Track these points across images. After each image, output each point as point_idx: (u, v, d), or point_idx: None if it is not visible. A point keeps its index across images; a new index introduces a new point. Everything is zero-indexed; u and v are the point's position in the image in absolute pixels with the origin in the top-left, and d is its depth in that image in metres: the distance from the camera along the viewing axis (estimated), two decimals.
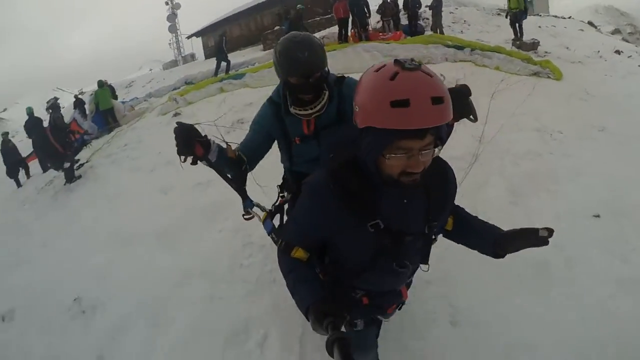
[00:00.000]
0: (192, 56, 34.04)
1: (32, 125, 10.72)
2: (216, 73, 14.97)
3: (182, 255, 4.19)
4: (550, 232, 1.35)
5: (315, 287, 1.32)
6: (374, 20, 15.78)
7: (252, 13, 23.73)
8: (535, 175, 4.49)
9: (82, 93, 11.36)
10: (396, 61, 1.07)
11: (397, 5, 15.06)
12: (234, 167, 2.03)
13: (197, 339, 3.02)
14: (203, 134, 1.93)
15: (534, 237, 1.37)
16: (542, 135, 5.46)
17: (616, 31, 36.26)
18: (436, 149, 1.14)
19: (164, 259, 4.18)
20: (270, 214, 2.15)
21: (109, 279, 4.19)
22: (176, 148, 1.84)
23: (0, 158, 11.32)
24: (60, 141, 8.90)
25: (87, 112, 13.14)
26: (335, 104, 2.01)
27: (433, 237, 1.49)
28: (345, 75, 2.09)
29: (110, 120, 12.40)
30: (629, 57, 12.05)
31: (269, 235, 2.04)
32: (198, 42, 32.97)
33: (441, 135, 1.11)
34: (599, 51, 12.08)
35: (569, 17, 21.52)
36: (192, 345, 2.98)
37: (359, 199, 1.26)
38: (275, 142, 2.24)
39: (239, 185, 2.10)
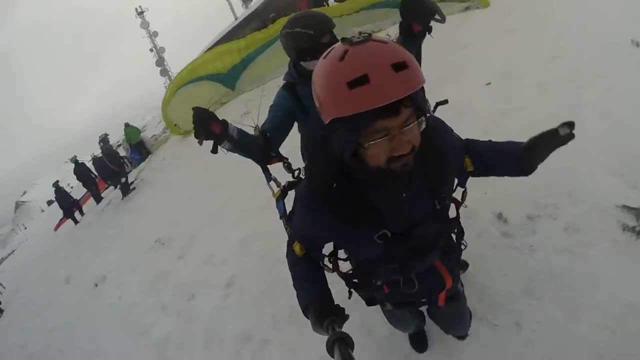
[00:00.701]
0: None
1: (81, 170, 12.32)
2: None
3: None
4: (571, 125, 1.15)
5: (316, 287, 1.28)
6: None
7: (231, 36, 24.50)
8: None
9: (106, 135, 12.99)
10: (344, 39, 0.92)
11: None
12: (257, 145, 1.97)
13: None
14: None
15: (556, 138, 1.18)
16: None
17: None
18: (420, 121, 0.96)
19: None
20: (283, 191, 2.03)
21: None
22: (194, 131, 1.78)
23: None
24: (115, 163, 10.90)
25: (125, 152, 14.83)
26: None
27: (445, 210, 1.34)
28: None
29: (143, 151, 14.09)
30: None
31: (280, 217, 1.92)
32: None
33: (419, 105, 0.94)
34: None
35: None
36: None
37: (353, 211, 1.13)
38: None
39: (259, 159, 2.08)
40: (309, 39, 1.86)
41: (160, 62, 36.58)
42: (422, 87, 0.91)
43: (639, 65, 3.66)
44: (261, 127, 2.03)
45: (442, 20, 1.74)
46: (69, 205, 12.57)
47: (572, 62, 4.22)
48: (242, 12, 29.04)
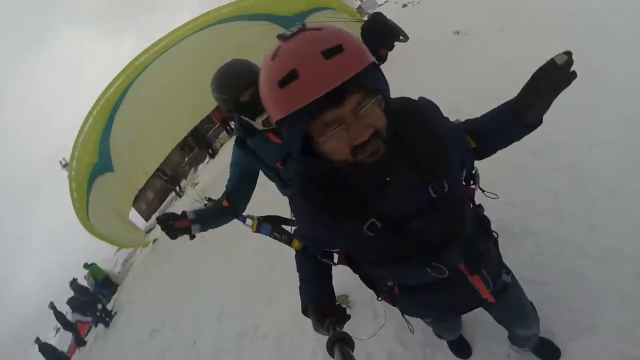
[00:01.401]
0: None
1: (59, 316, 12.68)
2: None
3: None
4: (568, 53, 1.00)
5: (317, 287, 1.28)
6: None
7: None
8: None
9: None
10: (278, 36, 0.85)
11: None
12: (226, 215, 2.06)
13: None
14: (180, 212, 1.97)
15: (556, 72, 1.01)
16: None
17: None
18: (376, 100, 0.86)
19: None
20: (261, 220, 1.94)
21: None
22: (167, 235, 1.93)
23: None
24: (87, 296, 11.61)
25: (89, 287, 15.03)
26: None
27: (454, 197, 1.10)
28: None
29: (110, 288, 14.44)
30: None
31: (270, 236, 1.87)
32: (133, 214, 33.26)
33: (371, 85, 0.85)
34: None
35: None
36: None
37: (339, 205, 1.05)
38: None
39: (232, 217, 2.11)
40: (227, 104, 1.79)
41: None
42: (374, 64, 0.86)
43: None
44: (226, 186, 2.08)
45: (406, 39, 1.77)
46: (56, 358, 12.57)
47: None
48: None
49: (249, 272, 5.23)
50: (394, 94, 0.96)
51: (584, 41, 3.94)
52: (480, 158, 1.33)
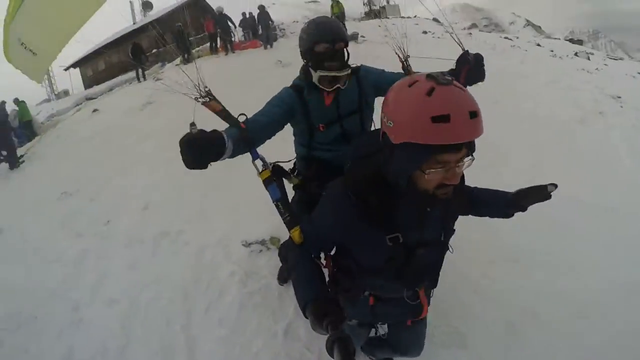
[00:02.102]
0: (66, 92, 31.26)
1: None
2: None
3: None
4: (555, 186, 1.49)
5: (315, 286, 1.30)
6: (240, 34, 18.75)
7: (129, 38, 23.56)
8: None
9: None
10: (429, 76, 1.06)
11: (255, 20, 17.08)
12: (243, 143, 1.67)
13: None
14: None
15: (543, 194, 1.51)
16: None
17: (473, 25, 37.45)
18: (469, 159, 1.13)
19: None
20: (274, 173, 1.70)
21: None
22: (185, 161, 1.43)
23: None
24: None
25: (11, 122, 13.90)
26: (356, 90, 2.06)
27: (448, 246, 1.52)
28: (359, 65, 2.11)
29: (28, 132, 13.44)
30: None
31: (273, 202, 1.64)
32: (75, 74, 31.29)
33: (474, 148, 1.12)
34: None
35: (415, 16, 26.38)
36: None
37: (378, 212, 1.25)
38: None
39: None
40: (305, 44, 1.96)
41: None
42: None
43: None
44: (251, 116, 1.84)
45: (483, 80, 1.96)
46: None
47: None
48: (140, 19, 28.94)
49: (187, 180, 4.78)
50: None
51: None
52: (466, 215, 1.72)
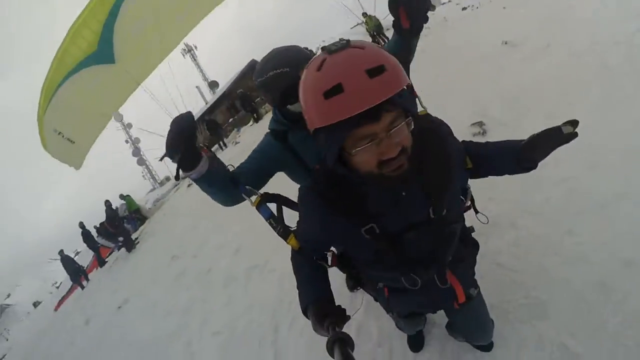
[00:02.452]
0: (167, 178, 34.34)
1: (86, 235, 13.65)
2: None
3: None
4: (575, 124, 1.20)
5: (316, 287, 1.30)
6: None
7: (205, 117, 24.69)
8: None
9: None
10: (322, 48, 0.94)
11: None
12: (224, 182, 1.64)
13: None
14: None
15: (560, 136, 1.21)
16: None
17: None
18: (407, 122, 0.96)
19: None
20: (264, 198, 1.72)
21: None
22: (168, 149, 1.41)
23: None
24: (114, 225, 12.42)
25: (123, 213, 16.10)
26: None
27: (448, 218, 1.24)
28: None
29: (139, 217, 15.43)
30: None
31: (266, 220, 1.68)
32: (169, 161, 34.87)
33: (405, 106, 0.94)
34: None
35: None
36: None
37: (346, 205, 1.13)
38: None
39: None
40: (286, 78, 1.61)
41: (136, 152, 37.32)
42: (409, 85, 0.92)
43: None
44: (234, 169, 1.77)
45: (433, 9, 2.09)
46: (75, 271, 13.66)
47: None
48: (210, 97, 31.91)
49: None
50: (425, 89, 1.19)
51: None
52: (471, 178, 1.46)
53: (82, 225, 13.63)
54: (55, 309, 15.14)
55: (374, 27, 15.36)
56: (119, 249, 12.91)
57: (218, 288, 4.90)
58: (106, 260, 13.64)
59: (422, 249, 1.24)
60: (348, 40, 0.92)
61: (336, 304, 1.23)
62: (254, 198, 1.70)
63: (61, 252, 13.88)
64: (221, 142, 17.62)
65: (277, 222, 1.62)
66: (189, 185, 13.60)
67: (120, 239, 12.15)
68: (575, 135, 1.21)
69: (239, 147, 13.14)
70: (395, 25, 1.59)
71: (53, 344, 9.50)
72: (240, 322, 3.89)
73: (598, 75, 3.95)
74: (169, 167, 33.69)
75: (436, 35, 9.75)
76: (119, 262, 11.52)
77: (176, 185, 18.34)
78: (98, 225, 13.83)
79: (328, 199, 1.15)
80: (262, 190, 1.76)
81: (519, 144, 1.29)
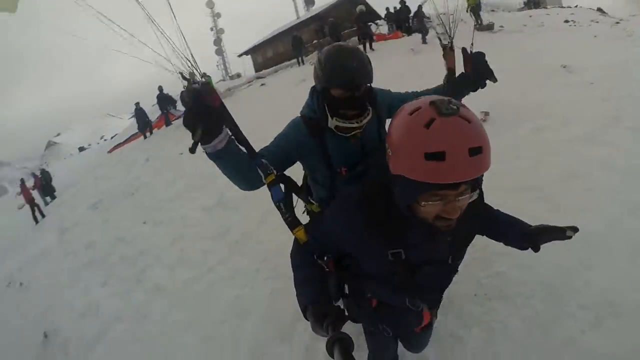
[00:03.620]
0: (239, 75, 33.27)
1: (162, 98, 15.65)
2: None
3: None
4: (575, 230, 1.31)
5: (316, 288, 1.30)
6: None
7: (291, 31, 25.77)
8: None
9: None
10: (432, 103, 0.95)
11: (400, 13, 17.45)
12: (242, 156, 1.46)
13: None
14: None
15: (560, 234, 1.33)
16: None
17: None
18: (473, 194, 1.04)
19: None
20: (279, 177, 1.60)
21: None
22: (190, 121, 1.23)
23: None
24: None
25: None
26: (375, 122, 1.74)
27: (456, 269, 1.43)
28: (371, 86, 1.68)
29: None
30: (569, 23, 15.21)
31: (274, 203, 1.55)
32: (246, 60, 34.72)
33: (477, 182, 1.03)
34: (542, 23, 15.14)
35: (575, 6, 23.28)
36: None
37: (387, 223, 1.18)
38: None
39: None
40: (321, 82, 1.60)
41: (217, 41, 38.72)
42: None
43: None
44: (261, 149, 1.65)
45: (495, 81, 1.87)
46: (144, 123, 15.65)
47: None
48: (303, 14, 32.21)
49: None
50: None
51: None
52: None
53: (160, 88, 15.40)
54: (109, 152, 17.33)
55: (474, 5, 14.41)
56: None
57: None
58: (172, 122, 15.43)
59: (432, 280, 1.36)
60: (458, 107, 0.94)
61: (335, 305, 1.24)
62: (267, 175, 1.57)
63: (137, 103, 15.77)
64: (300, 58, 18.45)
65: (287, 209, 1.55)
66: (262, 85, 14.93)
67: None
68: (567, 238, 1.33)
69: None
70: (468, 85, 1.88)
71: (109, 171, 11.45)
72: None
73: None
74: (244, 65, 35.07)
75: None
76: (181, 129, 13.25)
77: (249, 82, 19.49)
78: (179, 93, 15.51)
79: (373, 213, 1.19)
80: None
81: (528, 228, 1.41)
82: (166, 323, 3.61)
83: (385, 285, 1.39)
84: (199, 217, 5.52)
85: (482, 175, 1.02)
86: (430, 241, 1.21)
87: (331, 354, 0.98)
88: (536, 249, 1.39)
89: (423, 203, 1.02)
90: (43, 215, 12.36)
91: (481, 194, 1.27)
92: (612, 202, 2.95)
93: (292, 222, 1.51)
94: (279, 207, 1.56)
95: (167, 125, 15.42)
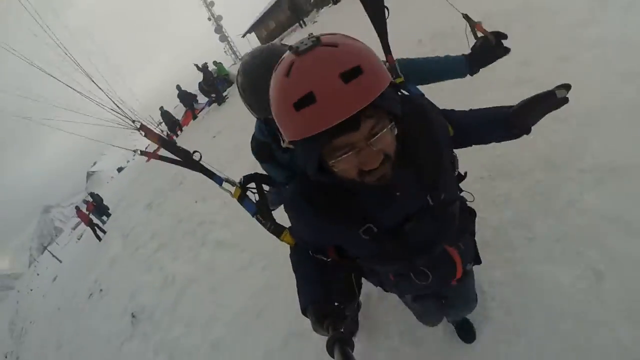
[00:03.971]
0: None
1: (182, 95, 16.04)
2: None
3: None
4: (568, 87, 1.11)
5: (316, 287, 1.24)
6: None
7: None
8: None
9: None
10: (291, 48, 0.81)
11: None
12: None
13: None
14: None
15: (553, 100, 1.12)
16: None
17: None
18: (390, 127, 0.84)
19: None
20: (243, 189, 1.65)
21: None
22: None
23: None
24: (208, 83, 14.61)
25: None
26: None
27: (447, 200, 1.15)
28: None
29: (227, 81, 17.31)
30: None
31: (253, 216, 1.60)
32: (252, 38, 34.61)
33: (387, 107, 0.81)
34: None
35: None
36: None
37: (338, 210, 1.05)
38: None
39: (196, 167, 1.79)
40: (259, 111, 1.37)
41: (218, 29, 38.67)
42: (391, 83, 0.82)
43: None
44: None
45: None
46: (172, 123, 16.26)
47: None
48: None
49: None
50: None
51: None
52: (454, 147, 1.28)
53: (178, 87, 15.77)
54: (147, 160, 18.02)
55: None
56: (209, 105, 15.08)
57: None
58: (197, 115, 15.89)
59: (424, 236, 1.16)
60: (318, 37, 0.79)
61: (335, 304, 1.19)
62: (233, 190, 1.66)
63: (161, 107, 16.40)
64: (301, 21, 18.25)
65: (266, 218, 1.54)
66: None
67: (213, 95, 14.27)
68: (566, 100, 1.13)
69: (318, 25, 13.78)
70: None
71: (152, 174, 12.10)
72: None
73: None
74: (250, 43, 34.77)
75: None
76: (210, 113, 13.72)
77: None
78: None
79: (318, 205, 1.06)
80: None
81: (509, 111, 1.20)
82: (232, 269, 4.15)
83: (381, 261, 1.26)
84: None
85: (395, 103, 0.84)
86: (390, 199, 1.04)
87: (331, 353, 0.94)
88: (527, 130, 1.20)
89: (331, 162, 0.85)
90: (104, 232, 13.07)
91: (421, 110, 1.10)
92: (610, 75, 2.85)
93: (275, 229, 1.47)
94: (258, 219, 1.58)
95: (194, 119, 15.90)
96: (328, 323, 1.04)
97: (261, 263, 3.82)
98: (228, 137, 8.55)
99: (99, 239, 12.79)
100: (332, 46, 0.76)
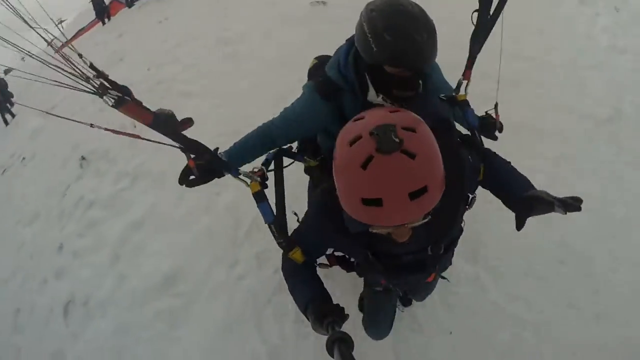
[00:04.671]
0: None
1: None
2: None
3: None
4: (578, 202, 1.10)
5: (313, 287, 1.29)
6: None
7: None
8: None
9: None
10: (372, 133, 0.84)
11: None
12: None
13: None
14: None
15: (549, 210, 1.14)
16: None
17: None
18: (427, 216, 0.93)
19: None
20: (262, 181, 1.58)
21: None
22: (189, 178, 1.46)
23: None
24: None
25: None
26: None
27: (447, 246, 1.29)
28: None
29: None
30: None
31: (267, 225, 1.53)
32: None
33: (431, 211, 0.91)
34: None
35: None
36: None
37: (346, 234, 1.11)
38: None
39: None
40: (372, 57, 1.26)
41: None
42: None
43: None
44: (267, 128, 1.61)
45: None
46: (101, 9, 14.78)
47: None
48: None
49: None
50: None
51: None
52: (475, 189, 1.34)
53: None
54: (59, 48, 16.19)
55: None
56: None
57: None
58: (134, 3, 14.52)
59: (419, 266, 1.32)
60: (402, 140, 0.82)
61: (335, 303, 1.20)
62: (249, 181, 1.55)
63: None
64: None
65: (280, 234, 1.51)
66: None
67: None
68: (579, 209, 1.10)
69: None
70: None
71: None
72: None
73: None
74: None
75: None
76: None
77: None
78: None
79: (337, 223, 1.11)
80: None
81: (524, 194, 1.24)
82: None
83: (371, 271, 1.42)
84: (201, 54, 6.23)
85: (433, 208, 0.91)
86: (391, 241, 1.09)
87: (331, 353, 0.95)
88: (520, 225, 1.26)
89: (371, 228, 0.98)
90: (13, 115, 11.72)
91: (460, 166, 1.14)
92: None
93: (286, 246, 1.38)
94: (270, 229, 1.51)
95: (129, 7, 14.45)
96: (327, 322, 1.06)
97: None
98: (180, 19, 8.21)
99: (6, 122, 11.36)
100: (412, 156, 0.81)
